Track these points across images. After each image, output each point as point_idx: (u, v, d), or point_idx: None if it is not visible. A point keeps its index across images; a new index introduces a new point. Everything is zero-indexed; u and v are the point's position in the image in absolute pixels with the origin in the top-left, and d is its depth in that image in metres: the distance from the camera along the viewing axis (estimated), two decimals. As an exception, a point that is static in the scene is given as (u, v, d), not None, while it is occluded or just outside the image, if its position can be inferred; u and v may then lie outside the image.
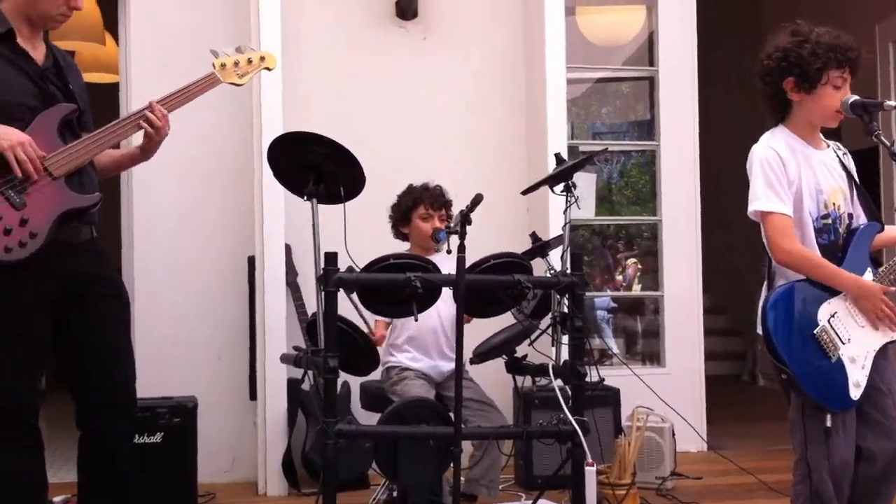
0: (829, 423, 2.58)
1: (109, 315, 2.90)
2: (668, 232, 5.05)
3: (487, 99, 4.86)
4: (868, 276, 2.72)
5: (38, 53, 2.87)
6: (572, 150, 4.95)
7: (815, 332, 2.62)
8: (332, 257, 3.06)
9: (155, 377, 3.88)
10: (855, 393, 2.62)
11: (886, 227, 2.88)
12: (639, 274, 6.26)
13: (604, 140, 6.88)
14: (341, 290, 3.05)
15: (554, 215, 4.40)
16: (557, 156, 3.85)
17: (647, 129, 5.68)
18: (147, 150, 3.01)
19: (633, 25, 5.52)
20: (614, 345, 6.07)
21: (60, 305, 2.78)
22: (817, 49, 2.64)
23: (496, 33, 4.88)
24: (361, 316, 3.44)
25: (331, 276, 3.04)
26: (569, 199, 3.75)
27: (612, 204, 7.37)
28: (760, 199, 2.68)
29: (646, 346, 5.84)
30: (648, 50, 5.33)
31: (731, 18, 7.57)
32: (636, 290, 6.18)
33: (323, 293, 3.07)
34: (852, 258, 2.72)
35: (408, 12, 4.68)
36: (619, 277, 6.44)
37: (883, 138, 2.59)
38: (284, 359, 3.78)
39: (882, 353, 2.69)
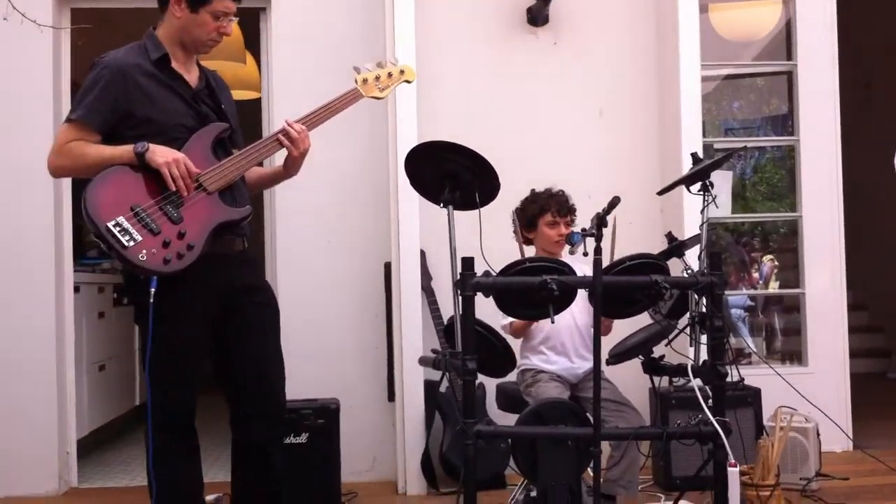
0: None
1: (262, 323, 3.05)
2: (808, 228, 4.93)
3: (620, 101, 4.86)
4: None
5: (191, 76, 3.04)
6: (707, 148, 4.90)
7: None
8: (468, 262, 3.12)
9: (299, 380, 4.02)
10: None
11: None
12: (776, 271, 6.11)
13: (736, 135, 6.75)
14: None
15: (689, 214, 4.37)
16: (694, 155, 3.80)
17: (783, 123, 5.55)
18: (290, 167, 3.15)
19: (768, 19, 5.41)
20: (752, 344, 5.95)
21: (218, 315, 2.94)
22: None
23: (627, 36, 4.88)
24: None
25: (468, 281, 3.10)
26: (706, 198, 3.71)
27: (745, 200, 7.22)
28: None
29: (786, 344, 5.70)
30: (786, 43, 5.21)
31: (869, 13, 7.31)
32: (773, 287, 6.04)
33: (460, 297, 3.15)
34: None
35: (538, 19, 4.73)
36: (756, 275, 6.30)
37: None
38: (423, 361, 3.87)
39: None
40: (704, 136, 5.75)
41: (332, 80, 3.32)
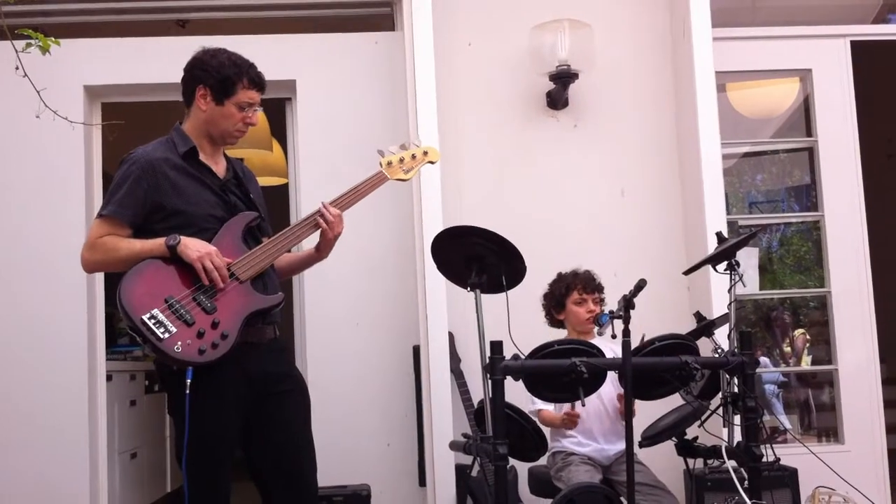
0: None
1: (294, 410, 3.06)
2: (838, 304, 4.91)
3: (641, 181, 4.89)
4: None
5: (219, 168, 3.12)
6: (730, 224, 4.91)
7: None
8: (497, 346, 3.15)
9: (329, 466, 4.00)
10: None
11: None
12: (808, 346, 6.05)
13: (761, 209, 6.76)
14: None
15: (717, 293, 4.35)
16: (719, 235, 3.83)
17: (806, 193, 5.56)
18: (322, 250, 3.19)
19: (787, 97, 5.47)
20: (787, 421, 5.86)
21: (249, 403, 2.95)
22: None
23: (646, 116, 4.93)
24: None
25: (497, 365, 3.12)
26: (732, 277, 3.72)
27: (773, 274, 7.19)
28: None
29: (821, 421, 5.62)
30: (805, 119, 5.26)
31: (892, 82, 7.37)
32: (806, 362, 5.98)
33: (490, 381, 3.16)
34: None
35: (558, 102, 4.80)
36: (788, 350, 6.24)
37: None
38: (454, 446, 3.86)
39: None
40: (728, 210, 5.77)
41: (358, 165, 3.40)
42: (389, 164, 3.29)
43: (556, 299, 3.89)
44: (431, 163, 3.41)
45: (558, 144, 4.86)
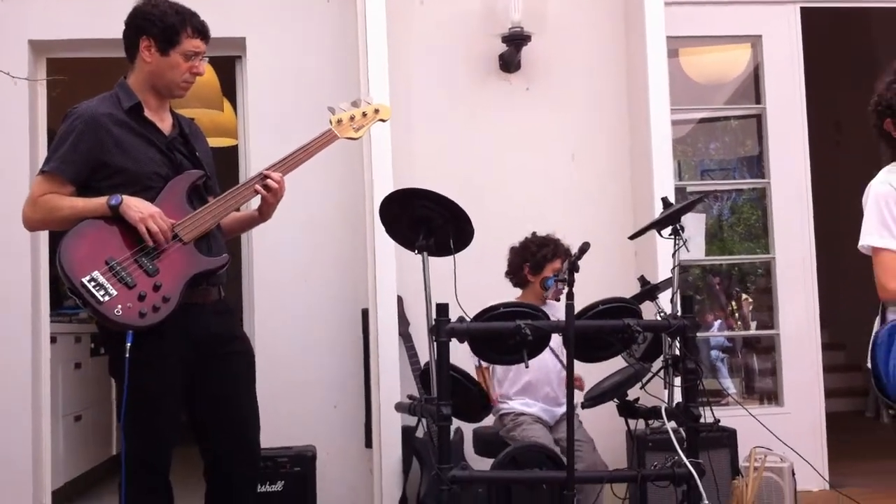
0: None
1: (238, 372, 3.05)
2: (781, 269, 4.99)
3: (592, 146, 4.92)
4: None
5: (165, 124, 3.06)
6: (679, 191, 4.96)
7: (925, 369, 2.59)
8: (443, 308, 3.16)
9: (275, 427, 4.03)
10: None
11: None
12: (751, 310, 6.17)
13: (713, 177, 6.84)
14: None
15: (662, 258, 4.40)
16: (664, 200, 3.86)
17: (757, 164, 5.63)
18: (264, 213, 3.17)
19: (738, 63, 5.51)
20: (731, 384, 5.98)
21: (192, 364, 2.93)
22: None
23: (598, 80, 4.95)
24: None
25: (442, 327, 3.14)
26: (677, 242, 3.76)
27: (723, 241, 7.29)
28: (872, 235, 2.69)
29: (763, 385, 5.74)
30: (755, 86, 5.31)
31: (841, 50, 7.45)
32: (751, 328, 6.10)
33: (435, 343, 3.18)
34: None
35: (511, 65, 4.79)
36: (734, 316, 6.36)
37: None
38: (399, 407, 3.89)
39: None
40: (681, 177, 5.83)
41: (309, 123, 3.36)
42: (339, 121, 3.26)
43: (537, 261, 3.92)
44: (383, 120, 3.38)
45: (510, 107, 4.86)
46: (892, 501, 4.23)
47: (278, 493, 3.91)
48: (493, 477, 3.26)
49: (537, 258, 3.90)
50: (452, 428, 4.13)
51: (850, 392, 7.29)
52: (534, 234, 3.98)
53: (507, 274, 3.98)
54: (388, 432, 4.31)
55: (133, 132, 2.95)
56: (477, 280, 3.94)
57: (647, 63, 4.66)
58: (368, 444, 4.49)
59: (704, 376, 5.21)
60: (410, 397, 3.63)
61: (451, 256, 3.45)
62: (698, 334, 5.44)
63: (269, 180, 3.05)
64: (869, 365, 2.67)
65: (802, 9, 5.06)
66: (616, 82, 4.95)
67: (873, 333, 2.70)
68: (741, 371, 6.24)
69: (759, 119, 5.25)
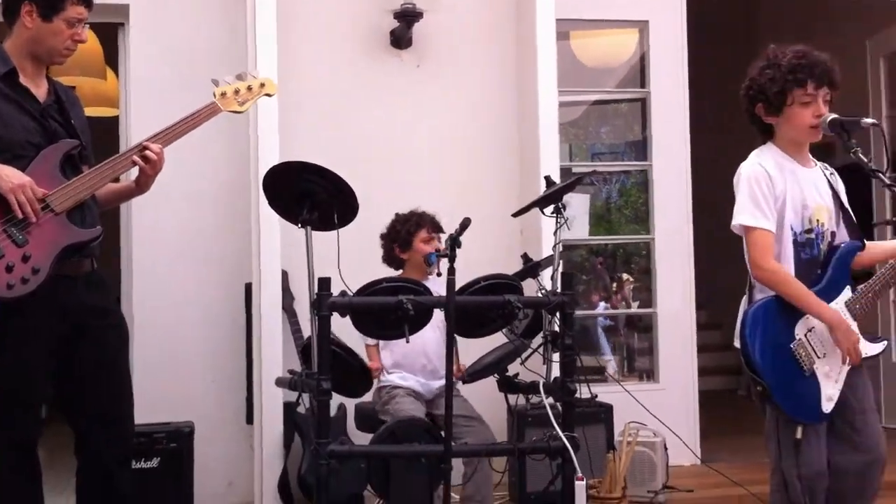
0: (799, 435, 2.66)
1: (110, 346, 2.98)
2: (660, 250, 5.14)
3: (482, 124, 4.96)
4: (847, 293, 2.80)
5: (40, 91, 2.96)
6: (566, 172, 5.04)
7: (791, 345, 2.71)
8: (325, 282, 3.15)
9: (153, 403, 3.97)
10: (827, 406, 2.70)
11: (870, 243, 2.96)
12: (632, 290, 6.33)
13: (603, 160, 6.98)
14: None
15: (547, 236, 4.47)
16: (547, 178, 3.93)
17: (643, 148, 5.77)
18: (142, 185, 3.10)
19: (626, 47, 5.62)
20: (613, 362, 6.14)
21: (63, 337, 2.86)
22: (776, 73, 2.74)
23: (489, 60, 4.99)
24: None
25: (324, 301, 3.13)
26: (559, 220, 3.83)
27: (610, 223, 7.45)
28: (745, 214, 2.77)
29: (642, 363, 5.92)
30: (640, 71, 5.43)
31: (725, 39, 7.67)
32: (633, 307, 6.26)
33: (317, 317, 3.17)
34: (832, 276, 2.81)
35: (402, 41, 4.78)
36: (617, 295, 6.51)
37: (861, 155, 2.65)
38: (279, 382, 3.86)
39: (855, 369, 2.77)
40: (572, 159, 5.93)
41: (193, 95, 3.29)
42: (224, 94, 3.20)
43: (403, 238, 3.93)
44: (268, 95, 3.34)
45: (400, 84, 4.86)
46: (756, 475, 4.41)
47: (154, 469, 3.84)
48: (372, 451, 3.27)
49: (402, 235, 3.92)
50: (335, 403, 4.19)
51: (724, 370, 7.57)
52: (396, 215, 4.00)
53: (384, 261, 3.99)
54: (270, 408, 4.27)
55: (6, 98, 2.87)
56: (363, 256, 3.94)
57: (537, 44, 4.71)
58: (249, 420, 4.45)
59: (590, 354, 5.38)
60: (291, 372, 3.61)
61: (336, 231, 3.45)
62: (581, 312, 5.64)
63: (147, 151, 2.99)
64: (737, 344, 2.78)
65: (689, -4, 5.20)
66: (506, 62, 4.99)
67: (741, 313, 2.81)
68: (623, 349, 6.40)
69: (643, 103, 5.38)
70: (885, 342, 2.86)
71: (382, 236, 4.00)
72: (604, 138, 6.98)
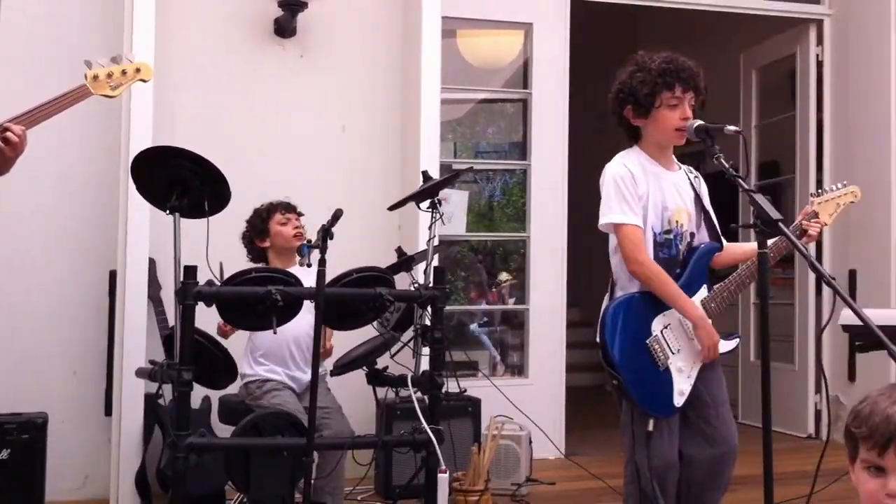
0: (650, 427, 2.75)
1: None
2: (535, 248, 5.23)
3: (364, 118, 4.93)
4: (703, 291, 2.91)
5: None
6: (446, 168, 5.08)
7: (647, 341, 2.79)
8: (191, 271, 3.08)
9: (8, 393, 3.83)
10: (679, 401, 2.80)
11: (731, 244, 3.08)
12: (509, 287, 6.40)
13: (488, 159, 7.04)
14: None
15: (424, 231, 4.49)
16: (424, 173, 3.95)
17: (525, 148, 5.85)
18: (1, 167, 2.98)
19: (511, 49, 5.69)
20: (488, 357, 6.20)
21: None
22: (646, 76, 2.82)
23: (374, 53, 4.97)
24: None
25: (189, 290, 3.06)
26: (434, 215, 3.86)
27: (492, 221, 7.54)
28: (614, 212, 2.83)
29: (516, 358, 6.00)
30: (524, 73, 5.51)
31: (607, 46, 7.84)
32: (510, 304, 6.34)
33: (181, 307, 3.10)
34: (690, 275, 2.91)
35: (286, 30, 4.72)
36: (495, 291, 6.58)
37: (723, 161, 2.72)
38: (140, 373, 3.77)
39: (710, 364, 2.87)
40: (457, 156, 5.97)
41: (65, 76, 3.17)
42: (96, 77, 3.09)
43: (258, 227, 3.88)
44: (143, 81, 3.23)
45: (283, 73, 4.80)
46: (616, 469, 4.52)
47: (4, 461, 3.70)
48: (231, 444, 3.22)
49: (257, 225, 3.88)
50: (200, 396, 4.11)
51: (595, 367, 7.71)
52: (254, 209, 3.96)
53: (249, 258, 3.93)
54: (130, 399, 4.15)
55: None
56: (234, 247, 3.88)
57: (422, 40, 4.73)
58: (109, 411, 4.33)
59: (464, 349, 5.42)
60: (152, 362, 3.53)
61: (206, 219, 3.39)
62: (456, 308, 5.69)
63: (8, 133, 2.86)
64: (598, 339, 2.85)
65: (573, 1, 5.29)
66: (391, 56, 4.99)
67: (602, 310, 2.88)
68: (498, 345, 6.49)
69: (524, 104, 5.46)
70: (738, 339, 2.98)
71: (242, 235, 3.94)
72: (490, 137, 7.05)
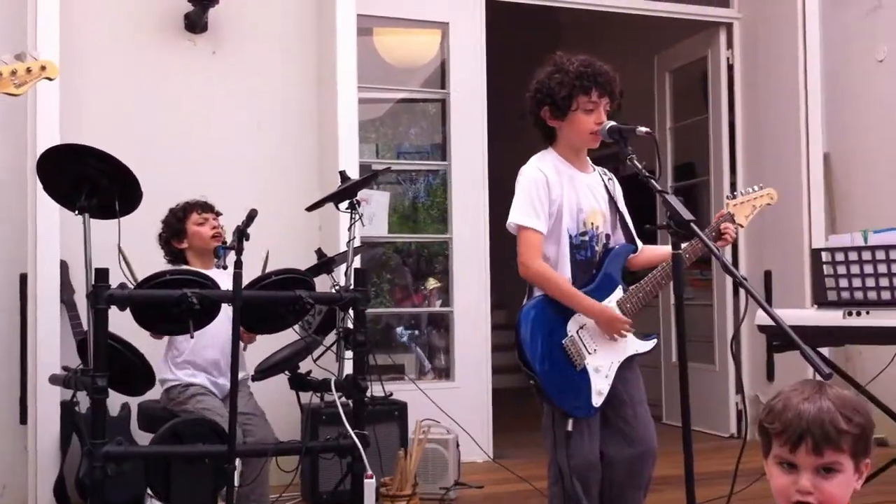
0: (569, 428, 2.74)
1: None
2: (458, 249, 5.19)
3: (280, 116, 4.83)
4: (619, 292, 2.91)
5: None
6: (366, 168, 5.00)
7: (563, 341, 2.79)
8: (103, 273, 2.98)
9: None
10: (597, 401, 2.80)
11: (647, 246, 3.09)
12: (435, 290, 6.37)
13: (409, 159, 7.00)
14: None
15: (345, 232, 4.42)
16: (342, 173, 3.88)
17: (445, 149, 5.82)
18: None
19: (428, 48, 5.64)
20: (414, 361, 6.14)
21: None
22: (564, 78, 2.82)
23: (288, 50, 4.87)
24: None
25: (101, 293, 2.96)
26: (353, 216, 3.79)
27: (417, 222, 7.50)
28: (519, 214, 2.84)
29: (442, 361, 5.96)
30: (441, 72, 5.47)
31: (525, 47, 7.88)
32: (437, 306, 6.30)
33: (93, 311, 2.99)
34: (605, 276, 2.91)
35: (197, 26, 4.59)
36: (421, 293, 6.54)
37: (636, 162, 2.72)
38: (53, 379, 3.63)
39: (628, 364, 2.88)
40: (379, 157, 5.90)
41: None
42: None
43: (174, 227, 3.77)
44: (49, 79, 3.11)
45: (195, 70, 4.67)
46: (543, 471, 4.51)
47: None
48: (150, 452, 3.11)
49: (174, 225, 3.78)
50: (119, 403, 3.98)
51: (521, 369, 7.77)
52: (170, 209, 3.85)
53: (167, 260, 3.82)
54: (46, 407, 4.00)
55: None
56: (148, 248, 3.76)
57: (337, 37, 4.65)
58: (24, 420, 4.15)
59: (388, 352, 5.36)
60: (66, 369, 3.40)
61: (117, 220, 3.27)
62: (379, 310, 5.62)
63: None
64: (515, 341, 2.83)
65: (488, 1, 5.27)
66: (306, 53, 4.90)
67: (519, 311, 2.85)
68: (425, 348, 6.44)
69: (443, 104, 5.43)
70: (655, 339, 2.98)
71: (158, 236, 3.82)
72: (412, 138, 7.02)
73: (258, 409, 3.62)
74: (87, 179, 3.20)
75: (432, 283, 6.29)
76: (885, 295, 3.26)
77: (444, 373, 5.45)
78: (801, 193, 5.35)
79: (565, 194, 2.86)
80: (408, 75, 5.82)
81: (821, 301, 3.46)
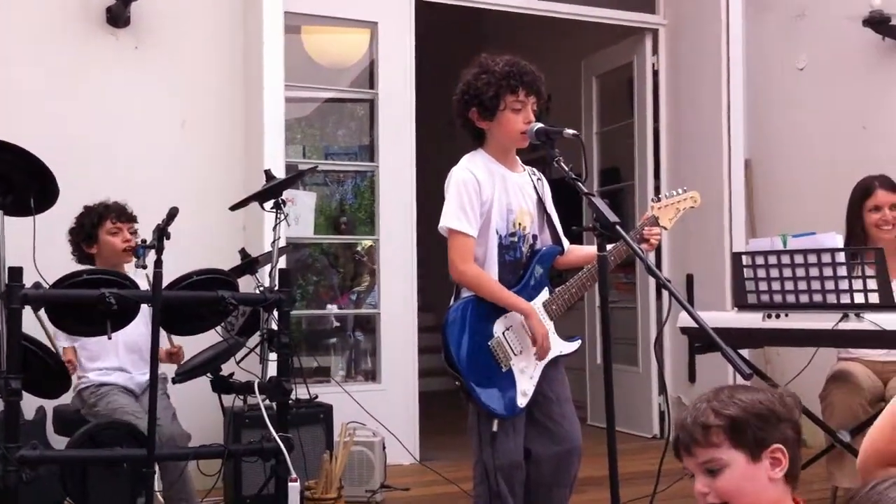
0: (495, 428, 2.75)
1: None
2: (384, 251, 5.16)
3: (205, 114, 4.75)
4: (545, 294, 2.92)
5: None
6: (291, 168, 4.94)
7: (489, 343, 2.79)
8: (16, 272, 2.89)
9: None
10: (521, 401, 2.81)
11: (573, 247, 3.10)
12: (363, 291, 6.33)
13: (337, 160, 6.94)
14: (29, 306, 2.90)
15: (270, 232, 4.36)
16: (267, 172, 3.82)
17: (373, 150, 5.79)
18: None
19: (357, 48, 5.59)
20: (341, 363, 6.09)
21: None
22: (491, 78, 2.82)
23: (214, 46, 4.79)
24: (48, 334, 3.27)
25: (15, 293, 2.87)
26: (278, 216, 3.74)
27: (346, 224, 7.45)
28: (450, 218, 2.83)
29: (368, 363, 5.92)
30: (370, 73, 5.43)
31: (454, 50, 7.88)
32: (364, 308, 6.26)
33: (6, 311, 2.89)
34: (531, 277, 2.92)
35: (119, 19, 4.49)
36: (350, 296, 6.49)
37: (563, 164, 2.72)
38: (-37, 383, 3.49)
39: (553, 364, 2.89)
40: (306, 157, 5.83)
41: None
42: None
43: (86, 231, 3.67)
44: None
45: (117, 65, 4.57)
46: (469, 473, 4.51)
47: None
48: (67, 456, 3.02)
49: (86, 228, 3.69)
50: (34, 406, 3.85)
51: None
52: (84, 206, 3.75)
53: (74, 258, 3.72)
54: (-44, 412, 3.86)
55: None
56: (64, 247, 3.66)
57: (263, 35, 4.59)
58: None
59: (316, 354, 5.30)
60: (-23, 371, 3.27)
61: (32, 217, 3.17)
62: (305, 312, 5.56)
63: None
64: (441, 341, 2.82)
65: (417, 1, 5.25)
66: (233, 50, 4.82)
67: (446, 312, 2.85)
68: (352, 350, 6.39)
69: (371, 105, 5.39)
70: (579, 341, 3.00)
71: (69, 231, 3.72)
72: (340, 140, 6.96)
73: (170, 406, 3.55)
74: (1, 175, 3.09)
75: (359, 285, 6.25)
76: (803, 298, 3.33)
77: (371, 375, 5.41)
78: (722, 198, 5.45)
79: (496, 194, 2.86)
80: (336, 75, 5.76)
81: (741, 304, 3.52)
